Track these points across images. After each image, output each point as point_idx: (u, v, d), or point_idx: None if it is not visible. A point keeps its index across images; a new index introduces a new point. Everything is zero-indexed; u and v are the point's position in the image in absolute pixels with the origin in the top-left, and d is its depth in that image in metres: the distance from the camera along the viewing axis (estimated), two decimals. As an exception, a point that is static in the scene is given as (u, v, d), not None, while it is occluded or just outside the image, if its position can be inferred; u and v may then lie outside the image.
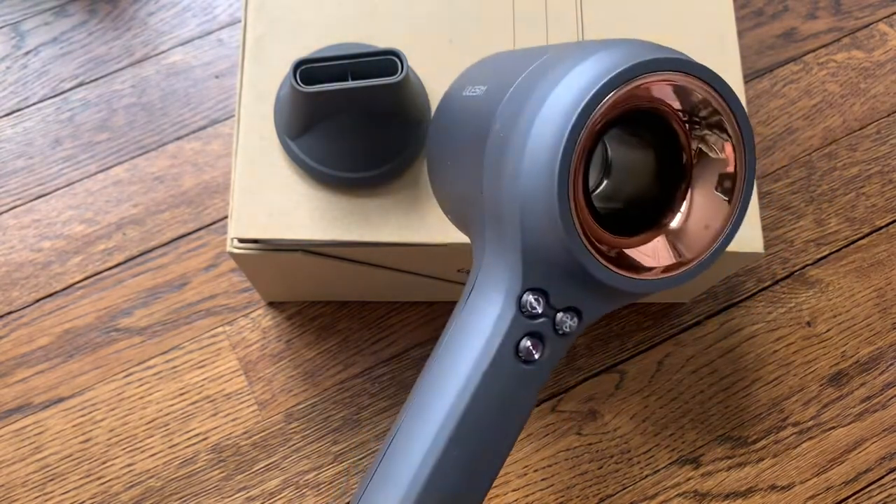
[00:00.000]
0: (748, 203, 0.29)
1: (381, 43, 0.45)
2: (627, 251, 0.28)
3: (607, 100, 0.25)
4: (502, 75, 0.31)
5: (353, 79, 0.39)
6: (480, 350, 0.29)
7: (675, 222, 0.29)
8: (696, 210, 0.28)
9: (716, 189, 0.28)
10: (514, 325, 0.28)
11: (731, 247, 0.45)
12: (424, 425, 0.29)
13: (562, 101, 0.26)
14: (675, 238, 0.28)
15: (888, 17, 0.72)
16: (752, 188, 0.28)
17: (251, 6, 0.47)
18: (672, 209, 0.29)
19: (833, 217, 0.66)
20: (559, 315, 0.29)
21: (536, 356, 0.29)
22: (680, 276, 0.28)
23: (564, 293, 0.28)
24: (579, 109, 0.25)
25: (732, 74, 0.48)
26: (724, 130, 0.28)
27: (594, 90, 0.25)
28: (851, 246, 0.65)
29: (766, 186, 0.66)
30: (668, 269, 0.28)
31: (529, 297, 0.28)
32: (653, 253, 0.28)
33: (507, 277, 0.28)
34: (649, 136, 0.29)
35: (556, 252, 0.26)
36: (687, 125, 0.28)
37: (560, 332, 0.29)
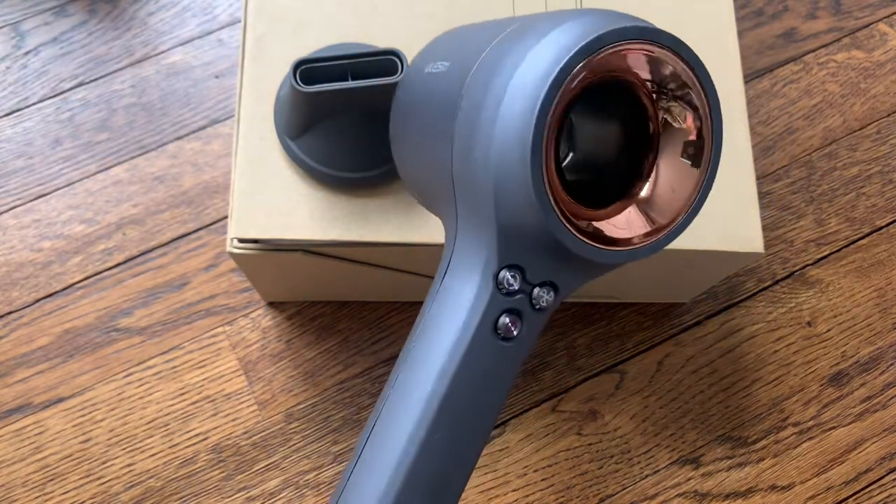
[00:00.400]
0: (717, 168, 0.29)
1: (381, 43, 0.45)
2: (601, 223, 0.28)
3: (579, 69, 0.25)
4: (466, 49, 0.30)
5: (353, 79, 0.39)
6: (459, 330, 0.28)
7: (644, 191, 0.29)
8: (665, 178, 0.28)
9: (683, 156, 0.28)
10: (491, 303, 0.28)
11: (731, 247, 0.45)
12: (406, 410, 0.29)
13: (532, 71, 0.25)
14: (646, 207, 0.29)
15: (888, 17, 0.72)
16: (719, 153, 0.28)
17: (251, 6, 0.47)
18: (641, 179, 0.29)
19: (833, 217, 0.66)
20: (536, 290, 0.28)
21: (515, 333, 0.29)
22: (654, 245, 0.28)
23: (541, 268, 0.28)
24: (551, 79, 0.25)
25: (732, 74, 0.48)
26: (690, 99, 0.28)
27: (565, 60, 0.25)
28: (851, 246, 0.65)
29: (766, 186, 0.66)
30: (641, 238, 0.28)
31: (506, 274, 0.28)
32: (626, 223, 0.28)
33: (482, 256, 0.28)
34: (615, 106, 0.29)
35: (531, 227, 0.26)
36: (654, 95, 0.28)
37: (537, 307, 0.29)
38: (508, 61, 0.26)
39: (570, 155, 0.32)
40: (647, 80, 0.27)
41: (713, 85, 0.28)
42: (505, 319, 0.28)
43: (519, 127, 0.25)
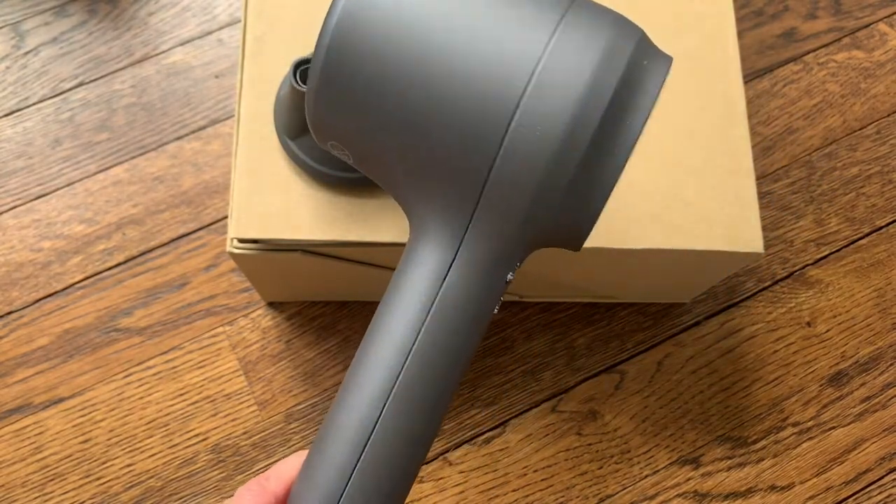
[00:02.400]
0: None
1: (381, 43, 0.45)
2: None
3: None
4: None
5: (353, 79, 0.39)
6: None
7: None
8: None
9: None
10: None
11: (731, 247, 0.45)
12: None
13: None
14: None
15: (888, 17, 0.72)
16: None
17: (251, 6, 0.47)
18: None
19: (833, 217, 0.66)
20: None
21: None
22: None
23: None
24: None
25: (732, 74, 0.48)
26: None
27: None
28: (851, 246, 0.65)
29: (766, 186, 0.66)
30: None
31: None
32: None
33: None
34: None
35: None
36: None
37: None
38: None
39: None
40: None
41: None
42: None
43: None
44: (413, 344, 0.28)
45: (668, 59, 0.27)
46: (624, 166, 0.27)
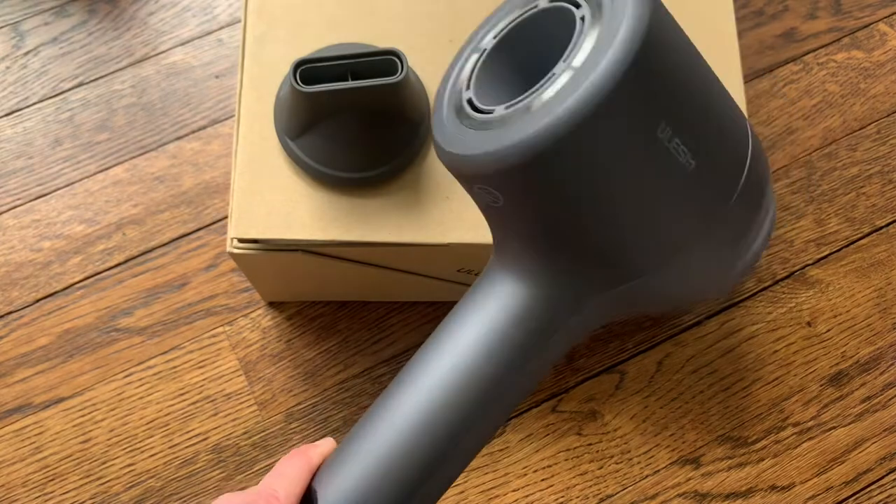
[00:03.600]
0: None
1: (381, 43, 0.45)
2: None
3: None
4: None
5: (353, 79, 0.39)
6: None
7: None
8: None
9: None
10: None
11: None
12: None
13: None
14: None
15: (888, 17, 0.72)
16: None
17: (251, 6, 0.47)
18: None
19: (833, 217, 0.66)
20: None
21: None
22: None
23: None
24: None
25: (732, 74, 0.48)
26: None
27: None
28: (851, 246, 0.65)
29: (766, 186, 0.66)
30: None
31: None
32: None
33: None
34: None
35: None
36: None
37: None
38: None
39: None
40: None
41: None
42: None
43: None
44: (504, 387, 0.27)
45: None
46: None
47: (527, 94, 0.24)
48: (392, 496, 0.27)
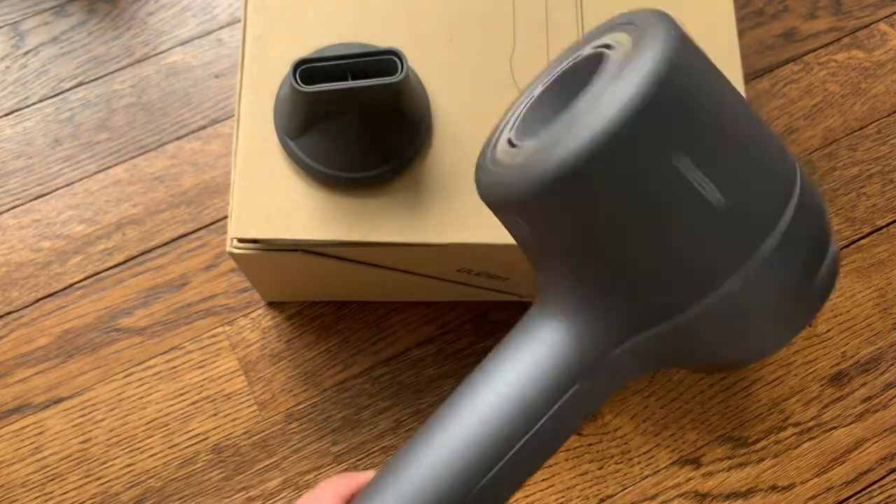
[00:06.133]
0: None
1: (381, 43, 0.45)
2: None
3: None
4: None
5: (353, 79, 0.39)
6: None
7: None
8: None
9: None
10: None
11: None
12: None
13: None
14: None
15: (888, 16, 0.72)
16: None
17: (251, 6, 0.47)
18: None
19: (833, 217, 0.66)
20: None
21: None
22: None
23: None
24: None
25: (732, 74, 0.48)
26: None
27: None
28: (852, 246, 0.65)
29: (766, 186, 0.66)
30: None
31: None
32: None
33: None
34: None
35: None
36: None
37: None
38: None
39: None
40: None
41: None
42: None
43: None
44: (540, 427, 0.28)
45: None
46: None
47: (547, 128, 0.25)
48: None
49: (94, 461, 0.56)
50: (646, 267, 0.25)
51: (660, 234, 0.24)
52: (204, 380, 0.58)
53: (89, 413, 0.57)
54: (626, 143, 0.23)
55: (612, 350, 0.27)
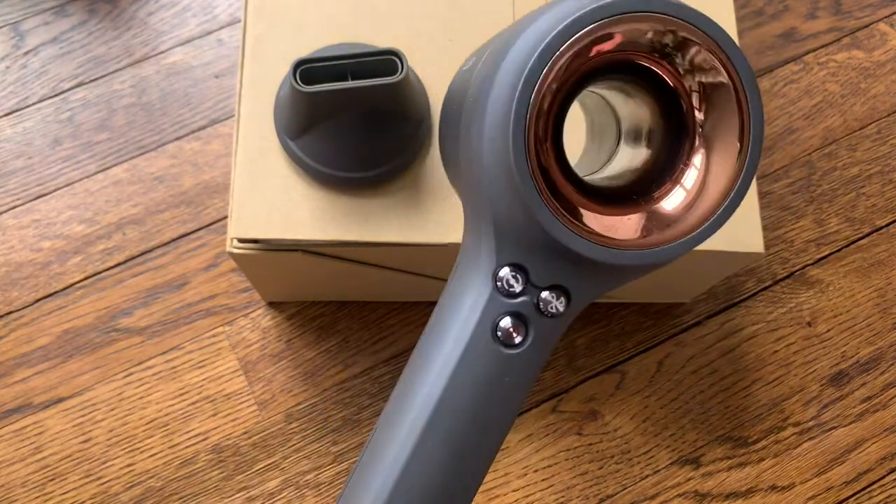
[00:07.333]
0: (756, 162, 0.26)
1: (381, 43, 0.45)
2: (614, 219, 0.26)
3: (565, 48, 0.24)
4: (489, 44, 0.29)
5: (353, 79, 0.39)
6: (457, 332, 0.26)
7: (671, 188, 0.26)
8: (698, 174, 0.26)
9: (717, 150, 0.26)
10: (490, 304, 0.26)
11: (732, 247, 0.45)
12: (402, 412, 0.27)
13: (524, 47, 0.24)
14: (671, 205, 0.26)
15: (888, 16, 0.72)
16: (759, 146, 0.25)
17: (251, 6, 0.47)
18: (672, 176, 0.26)
19: (833, 217, 0.66)
20: (543, 294, 0.26)
21: (518, 339, 0.26)
22: (672, 249, 0.26)
23: (545, 269, 0.26)
24: (538, 50, 0.23)
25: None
26: (720, 81, 0.25)
27: (548, 38, 0.23)
28: (852, 246, 0.65)
29: (766, 186, 0.66)
30: (659, 240, 0.26)
31: (507, 274, 0.26)
32: (641, 225, 0.26)
33: (483, 254, 0.26)
34: (638, 95, 0.27)
35: (524, 221, 0.24)
36: (682, 84, 0.26)
37: (546, 313, 0.26)
38: (502, 52, 0.25)
39: (616, 155, 0.31)
40: (668, 66, 0.25)
41: (742, 56, 0.25)
42: (506, 323, 0.26)
43: (505, 101, 0.24)
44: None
45: None
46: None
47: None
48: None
49: (94, 461, 0.56)
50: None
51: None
52: (204, 380, 0.58)
53: (89, 413, 0.57)
54: None
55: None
